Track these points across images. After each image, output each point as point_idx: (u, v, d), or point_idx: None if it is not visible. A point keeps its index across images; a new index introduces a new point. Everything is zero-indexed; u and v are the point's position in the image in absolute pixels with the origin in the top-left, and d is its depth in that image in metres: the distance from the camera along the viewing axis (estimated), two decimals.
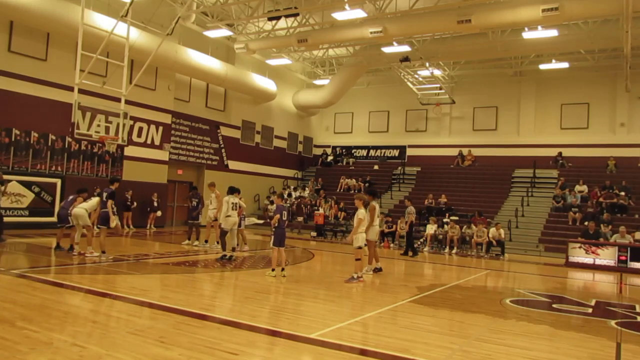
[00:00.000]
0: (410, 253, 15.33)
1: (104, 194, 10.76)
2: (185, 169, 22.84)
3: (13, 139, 16.16)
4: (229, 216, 11.58)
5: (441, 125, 28.03)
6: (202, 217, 15.30)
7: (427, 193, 22.26)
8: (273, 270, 9.33)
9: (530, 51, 21.72)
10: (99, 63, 14.79)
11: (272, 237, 9.35)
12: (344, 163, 29.40)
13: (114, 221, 10.71)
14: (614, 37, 18.62)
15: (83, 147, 18.08)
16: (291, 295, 7.84)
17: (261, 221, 17.19)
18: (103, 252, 10.49)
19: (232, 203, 11.67)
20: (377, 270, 10.89)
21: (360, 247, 9.56)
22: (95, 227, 10.94)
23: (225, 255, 11.41)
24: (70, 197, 11.49)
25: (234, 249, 11.87)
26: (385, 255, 15.29)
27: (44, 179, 16.66)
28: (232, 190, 12.00)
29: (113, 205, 10.71)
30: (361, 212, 9.60)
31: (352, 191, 25.23)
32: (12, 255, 11.13)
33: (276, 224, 9.22)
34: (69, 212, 11.00)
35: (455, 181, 24.71)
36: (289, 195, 25.43)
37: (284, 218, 9.38)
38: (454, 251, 17.29)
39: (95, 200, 10.95)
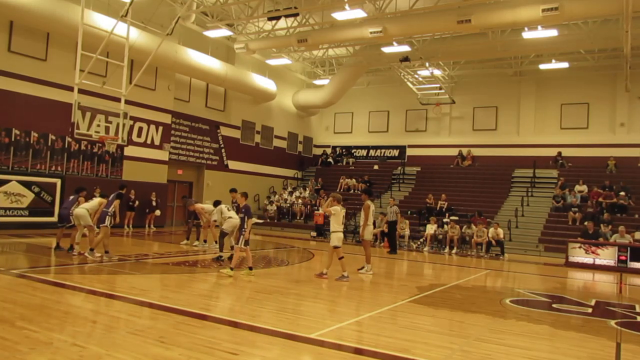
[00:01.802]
0: (385, 246, 16.12)
1: (113, 195, 10.87)
2: (185, 169, 22.84)
3: (13, 139, 16.16)
4: (230, 217, 11.61)
5: (441, 125, 28.03)
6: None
7: (427, 193, 22.26)
8: (251, 269, 9.29)
9: (530, 51, 21.73)
10: (99, 63, 14.80)
11: (242, 237, 9.19)
12: (344, 163, 29.40)
13: (109, 222, 10.69)
14: (614, 37, 18.63)
15: (83, 147, 18.09)
16: (291, 295, 7.83)
17: (261, 220, 17.20)
18: (92, 249, 10.41)
19: (227, 206, 11.76)
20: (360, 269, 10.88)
21: (337, 247, 9.51)
22: (95, 228, 10.94)
23: (221, 256, 11.40)
24: (71, 197, 11.51)
25: (232, 248, 11.86)
26: (385, 255, 15.31)
27: (44, 179, 16.66)
28: (217, 204, 12.14)
29: (116, 206, 10.79)
30: (334, 208, 9.60)
31: (352, 191, 25.25)
32: (12, 255, 11.14)
33: (249, 227, 9.18)
34: (71, 212, 11.02)
35: (455, 181, 24.70)
36: (290, 194, 25.44)
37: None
38: (454, 251, 17.30)
39: (97, 201, 10.96)
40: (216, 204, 12.31)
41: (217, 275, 9.25)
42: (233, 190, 13.09)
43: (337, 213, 9.62)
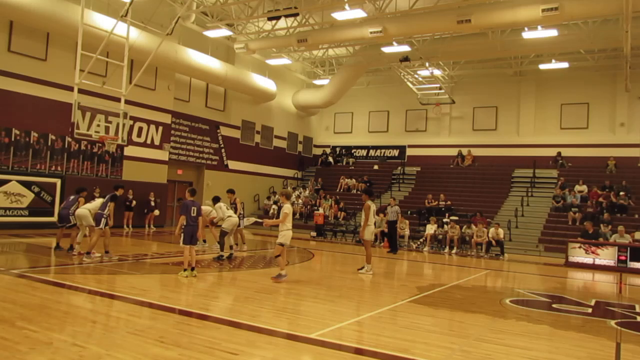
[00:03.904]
0: (385, 246, 16.17)
1: (107, 197, 10.79)
2: (185, 169, 22.84)
3: (13, 139, 16.16)
4: (229, 217, 11.62)
5: (441, 125, 28.03)
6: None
7: (427, 193, 22.27)
8: (185, 270, 8.85)
9: (530, 51, 21.73)
10: (98, 63, 14.80)
11: (182, 235, 8.81)
12: (344, 163, 29.41)
13: (105, 224, 10.61)
14: (613, 37, 18.62)
15: (83, 147, 18.09)
16: (291, 295, 7.83)
17: (261, 220, 17.18)
18: (89, 252, 10.36)
19: (226, 204, 11.76)
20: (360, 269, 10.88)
21: (282, 244, 8.96)
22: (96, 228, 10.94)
23: (222, 256, 11.41)
24: (71, 197, 11.50)
25: (231, 247, 11.87)
26: (385, 255, 15.31)
27: (43, 179, 16.66)
28: (216, 200, 12.08)
29: (111, 209, 10.72)
30: (287, 207, 9.08)
31: (352, 191, 25.26)
32: (12, 255, 11.14)
33: (184, 223, 8.83)
34: (71, 212, 11.01)
35: (455, 181, 24.71)
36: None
37: (194, 214, 8.87)
38: (453, 251, 17.30)
39: (98, 201, 10.96)
40: (215, 200, 12.28)
41: (217, 275, 9.24)
42: (230, 191, 13.07)
43: (289, 212, 9.07)
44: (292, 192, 9.81)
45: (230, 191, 13.28)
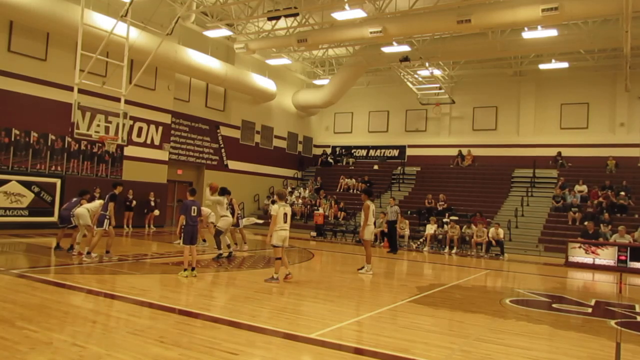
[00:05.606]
0: (385, 246, 16.42)
1: (107, 197, 10.76)
2: (185, 169, 22.84)
3: (13, 139, 16.16)
4: (225, 216, 11.61)
5: (441, 125, 28.03)
6: None
7: (427, 193, 22.26)
8: (185, 270, 8.82)
9: (530, 51, 21.74)
10: (98, 63, 14.80)
11: (182, 235, 8.91)
12: (344, 163, 29.41)
13: (108, 225, 10.61)
14: (613, 37, 18.62)
15: (83, 147, 18.08)
16: (291, 295, 7.84)
17: (261, 221, 17.19)
18: (89, 252, 10.34)
19: (225, 203, 11.73)
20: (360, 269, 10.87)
21: (275, 246, 8.84)
22: (95, 228, 10.93)
23: (221, 255, 11.41)
24: (74, 199, 11.47)
25: (229, 246, 11.85)
26: (385, 255, 15.31)
27: (43, 179, 16.66)
28: (224, 192, 11.88)
29: (111, 209, 10.69)
30: (274, 208, 8.93)
31: (352, 191, 25.26)
32: (12, 255, 11.14)
33: (183, 223, 8.83)
34: (72, 213, 11.00)
35: (455, 181, 24.70)
36: (290, 193, 25.42)
37: (194, 214, 8.87)
38: (453, 251, 17.30)
39: (98, 202, 10.96)
40: (222, 192, 11.80)
41: (215, 274, 9.25)
42: (227, 192, 13.02)
43: (275, 213, 8.90)
44: (286, 192, 9.76)
45: (227, 192, 13.23)
